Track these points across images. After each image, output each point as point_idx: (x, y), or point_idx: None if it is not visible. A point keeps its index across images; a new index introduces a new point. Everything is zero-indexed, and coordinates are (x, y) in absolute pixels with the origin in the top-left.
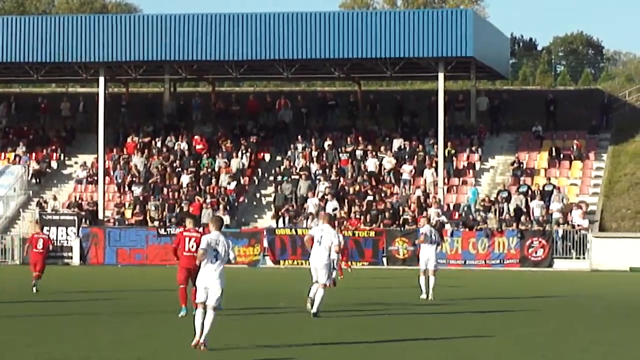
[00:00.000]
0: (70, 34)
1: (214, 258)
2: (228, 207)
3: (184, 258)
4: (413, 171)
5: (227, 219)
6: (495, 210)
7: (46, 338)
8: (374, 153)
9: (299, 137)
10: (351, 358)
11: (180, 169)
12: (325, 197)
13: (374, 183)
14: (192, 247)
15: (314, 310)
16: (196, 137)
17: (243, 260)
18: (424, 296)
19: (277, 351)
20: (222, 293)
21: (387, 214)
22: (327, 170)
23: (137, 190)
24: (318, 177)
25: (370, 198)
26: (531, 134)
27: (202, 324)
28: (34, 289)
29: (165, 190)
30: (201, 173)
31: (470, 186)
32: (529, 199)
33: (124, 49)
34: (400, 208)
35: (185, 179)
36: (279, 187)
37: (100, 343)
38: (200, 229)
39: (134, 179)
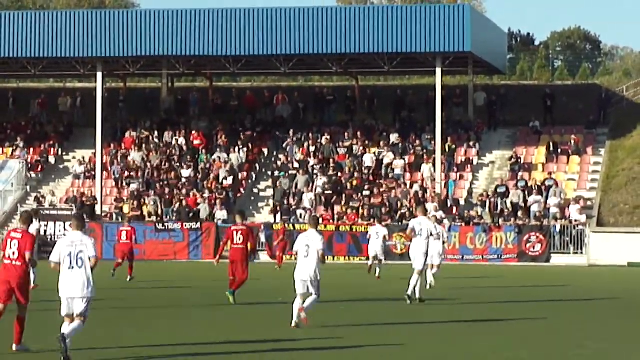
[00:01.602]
0: (68, 29)
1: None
2: (225, 202)
3: (231, 250)
4: (407, 166)
5: (224, 214)
6: (490, 205)
7: (40, 333)
8: (371, 148)
9: (297, 132)
10: (350, 355)
11: (178, 164)
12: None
13: (371, 178)
14: (240, 239)
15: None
16: (194, 132)
17: None
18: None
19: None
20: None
21: (384, 209)
22: (325, 165)
23: (134, 185)
24: (315, 172)
25: (367, 193)
26: (529, 129)
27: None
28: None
29: (162, 185)
30: (199, 168)
31: (467, 181)
32: (526, 194)
33: (122, 44)
34: (398, 203)
35: (182, 174)
36: (277, 182)
37: (95, 338)
38: (247, 223)
39: (132, 174)
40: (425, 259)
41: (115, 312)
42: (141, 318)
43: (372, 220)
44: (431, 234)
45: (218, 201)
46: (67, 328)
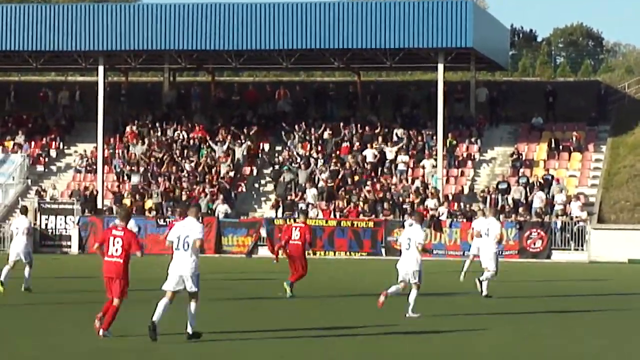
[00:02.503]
0: (70, 23)
1: None
2: (227, 197)
3: (290, 246)
4: (411, 162)
5: (226, 208)
6: (490, 201)
7: (43, 327)
8: (373, 144)
9: (299, 127)
10: (348, 347)
11: (179, 159)
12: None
13: (373, 174)
14: (297, 236)
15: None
16: (195, 126)
17: (242, 250)
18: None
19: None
20: None
21: (386, 205)
22: (327, 160)
23: (135, 179)
24: (317, 167)
25: (369, 188)
26: (531, 126)
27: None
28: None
29: (164, 179)
30: (200, 162)
31: (467, 177)
32: (528, 190)
33: (124, 38)
34: (400, 199)
35: (184, 168)
36: (279, 176)
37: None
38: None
39: (133, 168)
40: (497, 259)
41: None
42: (144, 312)
43: (372, 215)
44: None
45: (220, 195)
46: (191, 312)
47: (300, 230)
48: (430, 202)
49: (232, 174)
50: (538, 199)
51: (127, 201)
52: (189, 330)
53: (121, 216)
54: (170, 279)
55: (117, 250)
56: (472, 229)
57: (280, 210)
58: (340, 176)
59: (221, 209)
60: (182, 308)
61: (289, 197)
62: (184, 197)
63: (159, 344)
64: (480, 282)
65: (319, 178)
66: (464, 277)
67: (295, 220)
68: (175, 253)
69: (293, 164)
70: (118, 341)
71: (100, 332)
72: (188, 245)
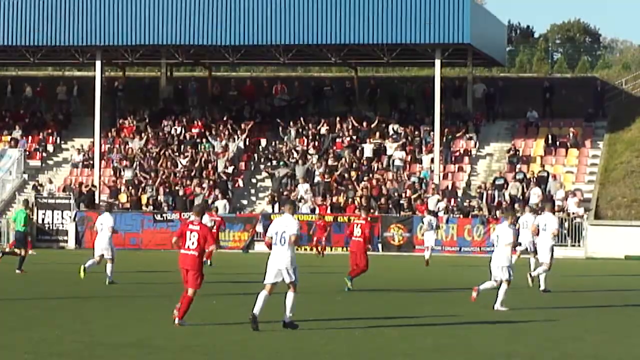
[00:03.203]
0: (67, 17)
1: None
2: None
3: (352, 242)
4: (407, 157)
5: (225, 204)
6: (487, 197)
7: (39, 322)
8: (369, 139)
9: (296, 122)
10: (348, 344)
11: (176, 154)
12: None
13: (369, 169)
14: (359, 232)
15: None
16: (192, 121)
17: (238, 246)
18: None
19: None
20: None
21: (382, 200)
22: (323, 156)
23: (129, 173)
24: (314, 163)
25: (365, 184)
26: (526, 120)
27: None
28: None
29: (161, 174)
30: (197, 157)
31: (464, 172)
32: (524, 186)
33: (121, 32)
34: (396, 194)
35: (180, 163)
36: (275, 172)
37: (94, 327)
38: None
39: (128, 163)
40: (552, 254)
41: (114, 301)
42: (141, 306)
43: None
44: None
45: (217, 191)
46: (288, 302)
47: (362, 227)
48: (432, 199)
49: (230, 168)
50: (535, 195)
51: (123, 196)
52: (285, 319)
53: (196, 211)
54: (269, 272)
55: (193, 243)
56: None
57: (277, 206)
58: (339, 172)
59: (220, 204)
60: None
61: (285, 193)
62: (180, 192)
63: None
64: (532, 277)
65: (314, 173)
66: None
67: (359, 217)
68: (273, 248)
69: (290, 160)
70: (116, 336)
71: (176, 321)
72: (285, 240)
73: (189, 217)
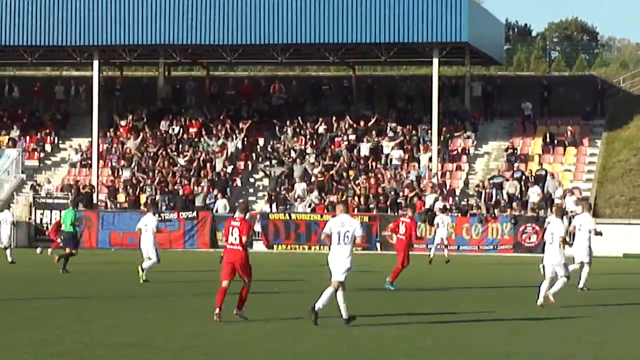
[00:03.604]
0: (65, 17)
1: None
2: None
3: (397, 241)
4: (404, 156)
5: (225, 203)
6: (485, 196)
7: (39, 322)
8: (367, 138)
9: (293, 121)
10: (348, 344)
11: (175, 153)
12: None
13: (368, 168)
14: (403, 230)
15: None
16: (190, 121)
17: None
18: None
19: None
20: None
21: (382, 198)
22: (321, 155)
23: (127, 173)
24: (311, 162)
25: (363, 183)
26: (523, 116)
27: None
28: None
29: (158, 174)
30: (195, 157)
31: (463, 171)
32: (522, 184)
33: (119, 32)
34: (393, 193)
35: (178, 162)
36: (269, 171)
37: (94, 327)
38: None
39: (126, 163)
40: (589, 253)
41: (114, 301)
42: (140, 306)
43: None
44: (589, 231)
45: (217, 190)
46: (340, 301)
47: (407, 225)
48: (430, 197)
49: (229, 168)
50: (534, 194)
51: (121, 196)
52: (345, 315)
53: (240, 209)
54: (334, 271)
55: (235, 239)
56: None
57: (274, 205)
58: (334, 171)
59: (220, 203)
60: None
61: (282, 192)
62: (180, 192)
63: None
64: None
65: (311, 172)
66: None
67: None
68: (334, 246)
69: (288, 159)
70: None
71: (235, 311)
72: (348, 240)
73: (187, 216)
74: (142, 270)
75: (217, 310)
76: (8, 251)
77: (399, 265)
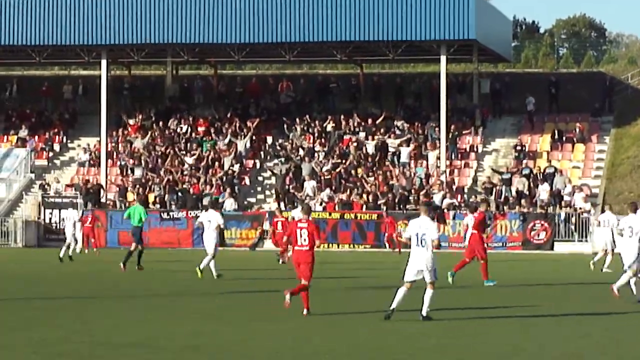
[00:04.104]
0: (73, 17)
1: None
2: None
3: (471, 237)
4: (412, 154)
5: (232, 202)
6: (495, 193)
7: (41, 322)
8: (375, 136)
9: (301, 119)
10: (348, 343)
11: (183, 152)
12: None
13: (375, 166)
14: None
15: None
16: (198, 119)
17: (246, 244)
18: None
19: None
20: None
21: (390, 196)
22: (330, 153)
23: (138, 172)
24: (320, 160)
25: (371, 180)
26: (528, 112)
27: None
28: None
29: (167, 172)
30: (203, 156)
31: (471, 168)
32: (531, 181)
33: (126, 31)
34: (403, 190)
35: (187, 161)
36: (274, 168)
37: (95, 327)
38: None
39: (136, 161)
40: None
41: (117, 301)
42: (144, 306)
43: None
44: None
45: (227, 189)
46: (426, 298)
47: (476, 219)
48: (438, 195)
49: (236, 166)
50: (544, 192)
51: (130, 195)
52: (424, 312)
53: (304, 210)
54: (410, 271)
55: (305, 240)
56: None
57: (283, 204)
58: (341, 168)
59: (228, 203)
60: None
61: (291, 190)
62: (189, 191)
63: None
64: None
65: (318, 171)
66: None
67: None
68: (413, 248)
69: (296, 157)
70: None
71: (304, 312)
72: (425, 242)
73: (195, 215)
74: (212, 270)
75: (304, 312)
76: (69, 248)
77: (482, 262)
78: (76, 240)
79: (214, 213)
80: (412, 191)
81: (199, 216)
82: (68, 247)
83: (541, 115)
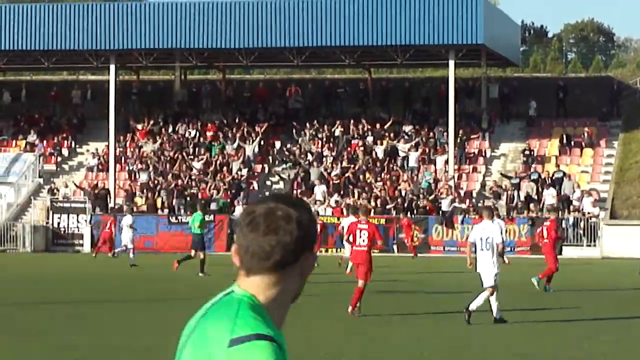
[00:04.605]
0: (82, 22)
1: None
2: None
3: (543, 244)
4: (421, 158)
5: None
6: (507, 197)
7: (55, 326)
8: (383, 141)
9: (310, 124)
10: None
11: (191, 157)
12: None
13: (384, 170)
14: (545, 234)
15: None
16: (206, 124)
17: None
18: None
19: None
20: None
21: (400, 200)
22: (338, 157)
23: (144, 176)
24: (328, 165)
25: (379, 185)
26: (529, 117)
27: None
28: None
29: (175, 177)
30: (212, 160)
31: (479, 173)
32: (539, 186)
33: (135, 36)
34: (411, 195)
35: (195, 166)
36: (282, 173)
37: (110, 330)
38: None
39: (143, 166)
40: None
41: (130, 304)
42: (156, 309)
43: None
44: None
45: (241, 193)
46: (492, 301)
47: (547, 229)
48: (447, 200)
49: (244, 171)
50: (549, 196)
51: (138, 199)
52: (496, 316)
53: (362, 212)
54: (485, 277)
55: (363, 240)
56: None
57: None
58: (349, 173)
59: (239, 208)
60: None
61: (299, 195)
62: (196, 195)
63: None
64: None
65: (326, 175)
66: None
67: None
68: (479, 253)
69: (305, 162)
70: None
71: (349, 310)
72: (490, 246)
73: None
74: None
75: (349, 309)
76: (133, 253)
77: (552, 268)
78: (128, 246)
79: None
80: (420, 196)
81: (207, 221)
82: (133, 251)
83: (549, 119)
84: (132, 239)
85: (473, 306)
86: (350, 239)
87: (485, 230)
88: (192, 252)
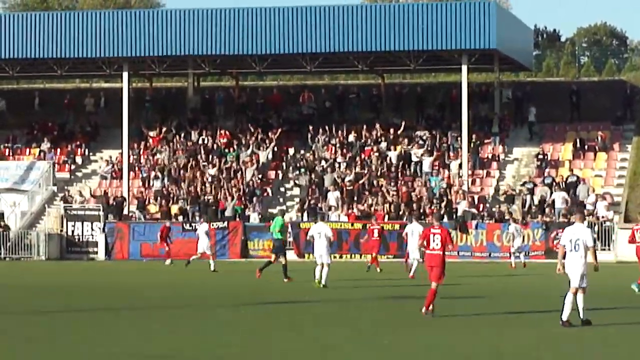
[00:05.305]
0: (94, 30)
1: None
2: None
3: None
4: (433, 164)
5: (255, 215)
6: (522, 202)
7: (70, 333)
8: (397, 146)
9: (323, 130)
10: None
11: (204, 163)
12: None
13: (398, 176)
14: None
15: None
16: (220, 131)
17: (268, 255)
18: None
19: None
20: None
21: (414, 205)
22: (352, 163)
23: (157, 184)
24: (342, 171)
25: (393, 190)
26: (529, 122)
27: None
28: None
29: (188, 184)
30: (225, 167)
31: (493, 178)
32: (553, 190)
33: (148, 44)
34: (425, 200)
35: (209, 172)
36: (302, 180)
37: (124, 338)
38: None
39: (158, 173)
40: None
41: (144, 312)
42: (171, 317)
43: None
44: None
45: (254, 200)
46: (579, 302)
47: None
48: (461, 204)
49: (258, 178)
50: (559, 199)
51: (152, 207)
52: (582, 317)
53: (436, 217)
54: (573, 277)
55: (437, 244)
56: None
57: (305, 215)
58: (363, 179)
59: (254, 215)
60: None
61: (312, 201)
62: (211, 202)
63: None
64: None
65: (340, 182)
66: None
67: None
68: (568, 254)
69: (318, 168)
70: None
71: (422, 310)
72: (579, 248)
73: (217, 226)
74: (320, 279)
75: (423, 310)
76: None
77: None
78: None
79: (323, 225)
80: (434, 201)
81: (220, 227)
82: (213, 257)
83: (562, 124)
84: (208, 246)
85: (564, 316)
86: (425, 243)
87: (576, 232)
88: (272, 257)
